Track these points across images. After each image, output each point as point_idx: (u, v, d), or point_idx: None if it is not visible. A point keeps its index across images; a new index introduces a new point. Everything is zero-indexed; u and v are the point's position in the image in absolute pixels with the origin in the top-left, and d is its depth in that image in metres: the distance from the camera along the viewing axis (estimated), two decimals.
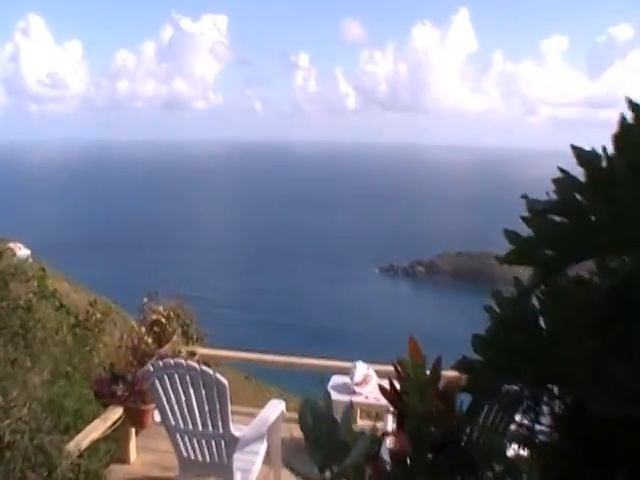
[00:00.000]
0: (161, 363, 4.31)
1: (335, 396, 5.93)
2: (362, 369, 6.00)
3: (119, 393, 5.17)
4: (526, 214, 0.98)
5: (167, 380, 4.30)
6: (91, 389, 5.58)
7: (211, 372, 4.17)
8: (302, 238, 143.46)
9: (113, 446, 5.32)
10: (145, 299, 6.24)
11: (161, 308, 6.07)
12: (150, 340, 5.67)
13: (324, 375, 6.42)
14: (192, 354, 6.12)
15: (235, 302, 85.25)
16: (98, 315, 7.87)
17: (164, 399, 4.39)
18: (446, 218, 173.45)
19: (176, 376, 4.25)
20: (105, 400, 5.27)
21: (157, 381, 4.33)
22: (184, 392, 4.30)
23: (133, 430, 5.51)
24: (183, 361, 4.27)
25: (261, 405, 5.06)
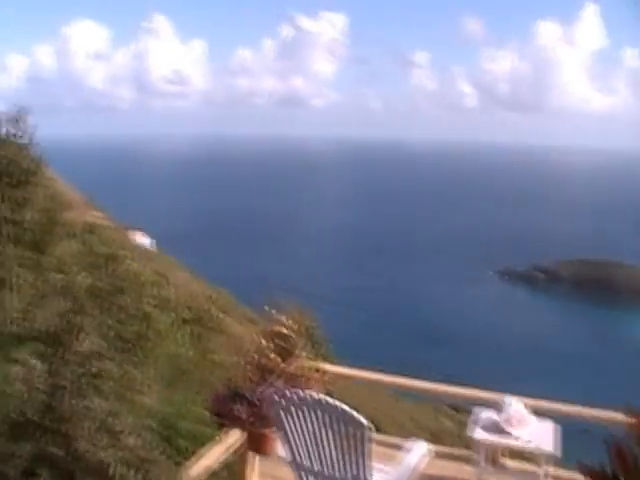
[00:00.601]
0: (288, 394, 3.71)
1: (479, 434, 5.15)
2: (516, 406, 5.17)
3: (240, 414, 4.63)
4: None
5: (294, 412, 3.69)
6: (205, 405, 5.06)
7: (352, 412, 3.51)
8: (413, 237, 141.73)
9: (232, 474, 4.80)
10: (268, 307, 5.69)
11: (285, 318, 5.50)
12: (273, 355, 5.10)
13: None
14: (320, 372, 5.51)
15: (345, 299, 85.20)
16: (220, 315, 7.31)
17: (289, 433, 3.79)
18: (566, 223, 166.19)
19: (306, 410, 3.64)
20: (224, 421, 4.75)
21: (282, 412, 3.74)
22: (314, 430, 3.68)
23: (254, 456, 4.96)
24: (316, 396, 3.63)
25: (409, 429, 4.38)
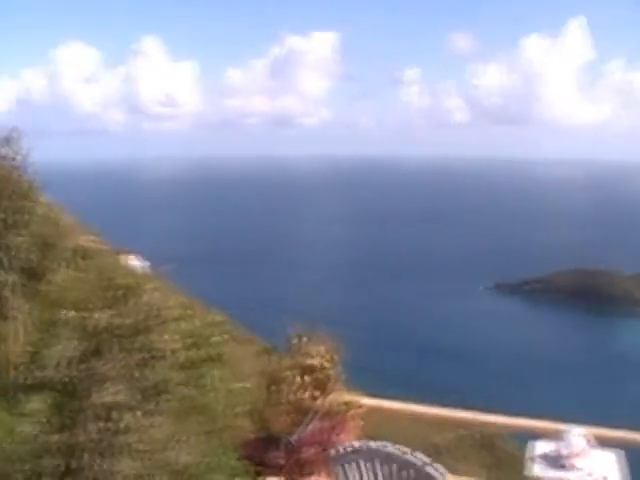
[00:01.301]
0: (351, 448, 3.15)
1: (542, 471, 4.58)
2: (575, 436, 4.59)
3: (278, 461, 4.07)
4: None
5: (356, 468, 3.13)
6: (238, 453, 4.45)
7: (424, 463, 2.96)
8: (407, 255, 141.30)
9: None
10: (295, 339, 5.11)
11: (321, 349, 4.92)
12: (308, 392, 4.54)
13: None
14: (354, 405, 4.93)
15: (339, 318, 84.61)
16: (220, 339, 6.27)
17: None
18: (557, 235, 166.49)
19: (370, 464, 3.08)
20: (260, 469, 4.18)
21: (342, 468, 3.18)
22: None
23: None
24: (386, 447, 3.08)
25: None
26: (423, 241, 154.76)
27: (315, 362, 4.81)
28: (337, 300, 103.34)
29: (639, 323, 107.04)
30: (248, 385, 5.59)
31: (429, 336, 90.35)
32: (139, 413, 3.05)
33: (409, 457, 2.96)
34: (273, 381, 4.81)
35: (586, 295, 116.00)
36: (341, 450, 3.26)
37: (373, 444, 3.16)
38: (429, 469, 2.93)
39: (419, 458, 3.02)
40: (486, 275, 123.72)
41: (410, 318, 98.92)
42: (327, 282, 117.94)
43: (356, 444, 3.20)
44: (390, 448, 3.13)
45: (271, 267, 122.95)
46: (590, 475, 4.40)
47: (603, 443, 4.78)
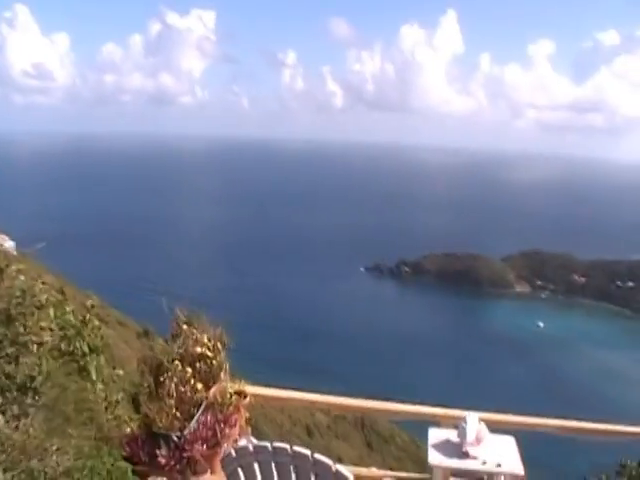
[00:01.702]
0: (251, 447, 2.86)
1: (440, 460, 4.49)
2: (475, 423, 4.55)
3: (162, 461, 3.71)
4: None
5: (258, 469, 2.85)
6: (119, 452, 4.05)
7: (329, 463, 2.71)
8: (285, 237, 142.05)
9: None
10: (179, 324, 4.74)
11: (205, 337, 4.58)
12: (197, 384, 4.19)
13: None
14: (241, 395, 4.61)
15: (215, 301, 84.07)
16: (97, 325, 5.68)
17: None
18: (433, 218, 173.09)
19: (273, 465, 2.81)
20: (142, 469, 3.81)
21: (242, 470, 2.89)
22: None
23: None
24: (287, 446, 2.80)
25: None
26: (303, 223, 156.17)
27: (201, 350, 4.47)
28: (212, 282, 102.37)
29: (509, 304, 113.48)
30: (126, 372, 5.16)
31: (306, 319, 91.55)
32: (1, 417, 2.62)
33: (326, 461, 2.72)
34: (155, 371, 4.42)
35: (456, 278, 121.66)
36: (233, 448, 2.96)
37: (268, 444, 2.88)
38: (342, 471, 2.70)
39: (319, 459, 2.78)
40: (367, 256, 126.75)
41: (287, 301, 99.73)
42: (203, 264, 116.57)
43: (250, 442, 2.90)
44: (281, 446, 2.87)
45: (146, 248, 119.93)
46: (484, 463, 4.37)
47: (496, 429, 4.78)
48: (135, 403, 4.51)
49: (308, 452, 2.73)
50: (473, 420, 4.54)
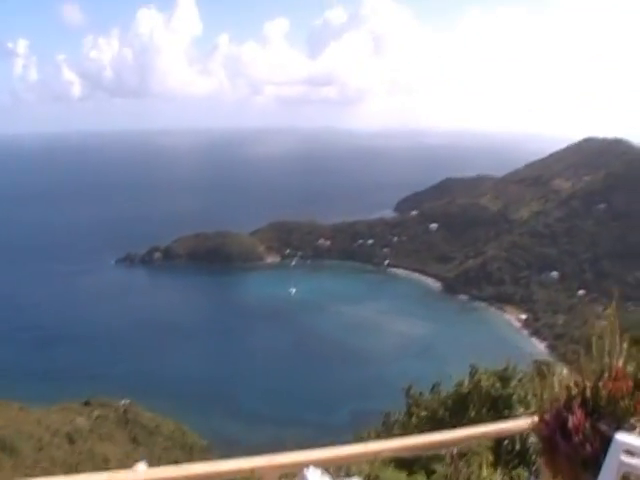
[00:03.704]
0: None
1: None
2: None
3: None
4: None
5: None
6: None
7: None
8: (26, 239, 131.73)
9: None
10: None
11: None
12: None
13: None
14: None
15: None
16: None
17: None
18: (181, 201, 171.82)
19: None
20: None
21: None
22: None
23: None
24: None
25: None
26: (46, 222, 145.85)
27: None
28: None
29: (261, 275, 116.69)
30: None
31: (49, 324, 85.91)
32: None
33: None
34: None
35: (208, 257, 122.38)
36: None
37: None
38: None
39: None
40: (118, 248, 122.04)
41: (28, 309, 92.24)
42: None
43: None
44: None
45: None
46: None
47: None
48: None
49: None
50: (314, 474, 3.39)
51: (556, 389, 2.75)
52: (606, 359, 2.66)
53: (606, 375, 2.56)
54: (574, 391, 2.66)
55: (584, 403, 2.61)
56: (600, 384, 2.56)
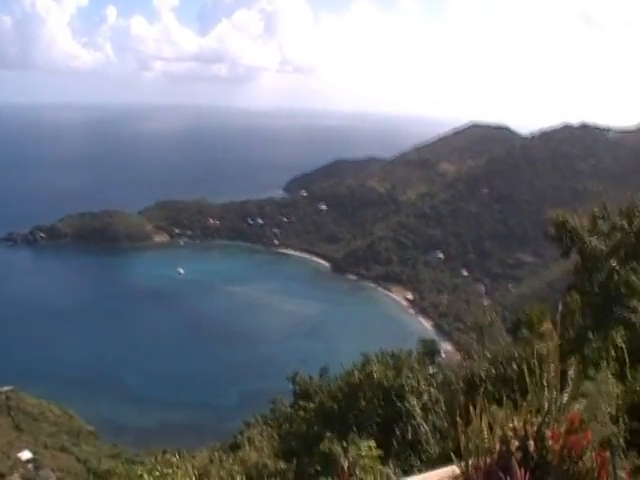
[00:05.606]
0: None
1: None
2: None
3: None
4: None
5: None
6: None
7: None
8: None
9: None
10: None
11: None
12: None
13: None
14: None
15: None
16: None
17: None
18: (67, 179, 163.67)
19: None
20: None
21: None
22: None
23: None
24: None
25: None
26: None
27: None
28: None
29: (149, 255, 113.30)
30: None
31: None
32: None
33: None
34: None
35: (94, 237, 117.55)
36: None
37: None
38: None
39: None
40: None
41: None
42: None
43: None
44: None
45: None
46: None
47: None
48: None
49: None
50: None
51: (485, 436, 2.07)
52: (546, 394, 2.01)
53: (551, 418, 1.94)
54: (512, 443, 1.98)
55: (525, 459, 1.96)
56: (547, 432, 1.93)
